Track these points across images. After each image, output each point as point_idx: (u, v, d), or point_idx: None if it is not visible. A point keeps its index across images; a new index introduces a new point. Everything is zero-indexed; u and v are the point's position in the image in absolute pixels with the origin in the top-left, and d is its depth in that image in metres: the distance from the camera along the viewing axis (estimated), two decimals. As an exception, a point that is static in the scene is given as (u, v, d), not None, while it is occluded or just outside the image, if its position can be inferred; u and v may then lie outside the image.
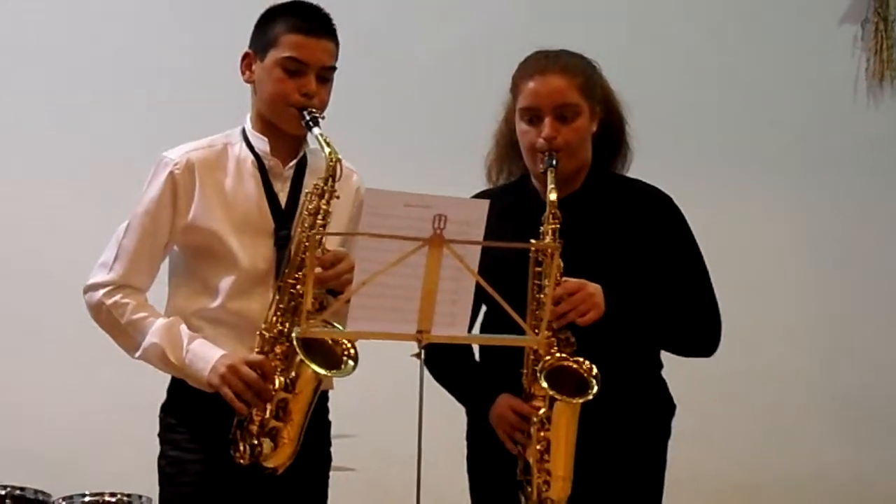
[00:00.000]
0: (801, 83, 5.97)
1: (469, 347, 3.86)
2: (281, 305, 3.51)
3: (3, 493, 5.14)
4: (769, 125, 5.95)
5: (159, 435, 3.67)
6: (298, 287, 3.52)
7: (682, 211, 3.76)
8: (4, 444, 5.74)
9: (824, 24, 5.94)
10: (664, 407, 3.84)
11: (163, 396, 3.66)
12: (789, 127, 5.96)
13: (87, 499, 5.29)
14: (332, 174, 3.51)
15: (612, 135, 3.81)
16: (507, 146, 3.83)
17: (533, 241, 3.60)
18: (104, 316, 3.55)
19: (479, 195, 3.75)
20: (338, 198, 3.53)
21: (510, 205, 3.74)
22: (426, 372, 3.56)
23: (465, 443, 3.88)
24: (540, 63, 3.71)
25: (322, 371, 3.48)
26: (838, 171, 5.97)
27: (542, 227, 3.61)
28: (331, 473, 3.79)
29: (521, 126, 3.70)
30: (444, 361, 3.81)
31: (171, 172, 3.53)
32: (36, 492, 5.29)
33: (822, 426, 6.00)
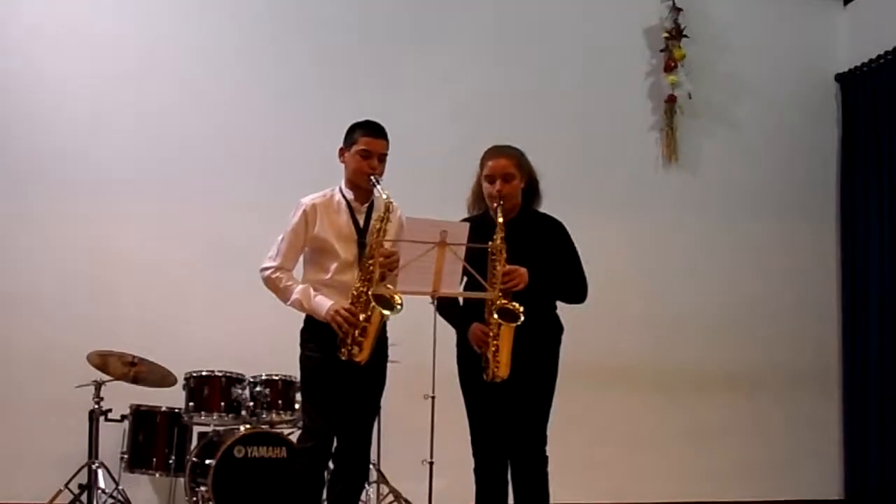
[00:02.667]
0: (633, 161, 9.75)
1: (457, 299, 5.85)
2: (362, 278, 5.58)
3: (219, 374, 7.55)
4: (610, 182, 9.54)
5: (300, 345, 5.83)
6: (370, 268, 5.57)
7: (567, 228, 5.95)
8: (216, 348, 8.30)
9: (643, 132, 9.66)
10: (557, 327, 5.92)
11: (301, 325, 5.88)
12: (621, 180, 9.60)
13: (263, 377, 7.63)
14: (387, 210, 5.63)
15: (531, 189, 5.96)
16: (478, 194, 5.97)
17: (490, 243, 5.59)
18: (271, 284, 5.79)
19: (464, 220, 5.85)
20: (390, 221, 5.63)
21: (479, 225, 5.73)
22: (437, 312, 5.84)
23: (455, 347, 5.95)
24: (493, 151, 5.90)
25: (384, 311, 5.47)
26: (646, 207, 9.71)
27: (495, 237, 5.62)
28: (387, 364, 5.94)
29: (485, 184, 5.85)
30: (445, 306, 5.92)
31: (305, 210, 5.78)
32: (235, 373, 7.73)
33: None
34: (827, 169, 10.34)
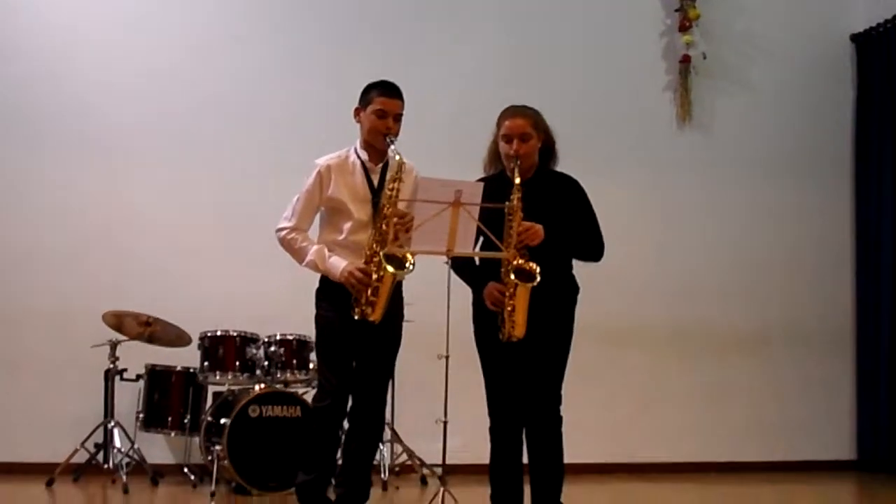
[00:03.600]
0: (647, 121, 9.74)
1: (472, 259, 5.82)
2: (376, 237, 5.58)
3: (234, 333, 7.61)
4: (624, 142, 9.59)
5: (315, 304, 5.87)
6: (384, 228, 5.57)
7: (583, 185, 5.93)
8: (231, 308, 8.39)
9: (658, 92, 9.63)
10: (573, 288, 5.92)
11: (317, 285, 5.89)
12: (635, 141, 9.67)
13: (277, 337, 7.69)
14: (399, 169, 5.64)
15: (548, 149, 5.94)
16: (494, 153, 5.94)
17: (507, 203, 5.57)
18: (286, 244, 5.80)
19: (479, 179, 5.82)
20: (403, 181, 5.63)
21: (495, 185, 5.71)
22: (452, 272, 5.82)
23: (471, 307, 5.94)
24: (510, 111, 5.87)
25: (395, 271, 5.49)
26: (660, 167, 9.78)
27: (511, 196, 5.59)
28: (403, 323, 5.99)
29: (501, 144, 5.83)
30: (461, 265, 5.88)
31: (319, 171, 5.79)
32: (249, 333, 7.77)
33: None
34: (842, 129, 10.34)
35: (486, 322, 5.80)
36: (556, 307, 5.84)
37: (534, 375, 5.79)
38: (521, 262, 5.58)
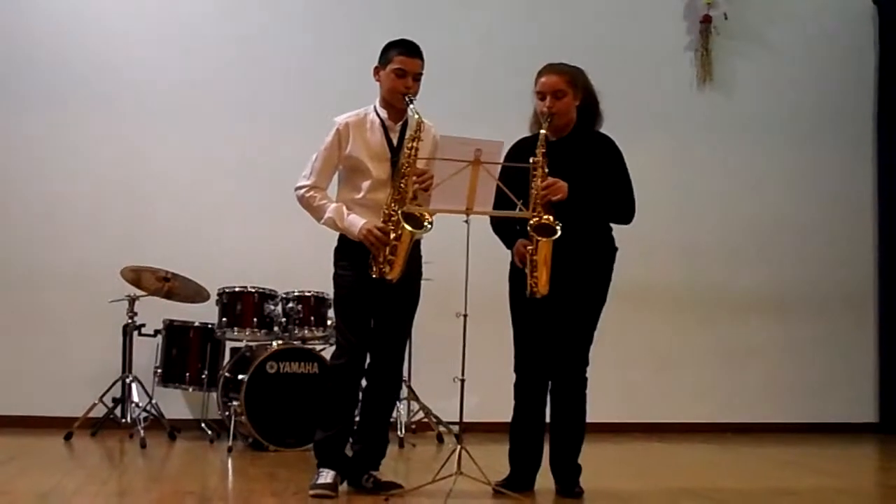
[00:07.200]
0: (667, 82, 9.80)
1: (512, 220, 5.73)
2: (395, 196, 5.55)
3: (252, 290, 7.66)
4: (643, 102, 9.59)
5: (333, 263, 5.82)
6: (403, 187, 5.54)
7: (619, 146, 5.92)
8: (250, 264, 8.47)
9: (678, 52, 9.62)
10: (610, 248, 5.91)
11: (335, 243, 5.83)
12: (655, 101, 9.70)
13: (296, 293, 7.72)
14: (418, 129, 5.60)
15: (588, 108, 5.92)
16: (536, 112, 5.92)
17: (532, 159, 5.58)
18: (305, 202, 5.77)
19: (521, 139, 5.92)
20: (422, 140, 5.59)
21: (533, 145, 5.70)
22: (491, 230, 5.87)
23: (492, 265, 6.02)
24: (545, 68, 5.86)
25: (413, 230, 5.45)
26: (679, 128, 9.85)
27: (536, 151, 5.62)
28: (421, 282, 5.95)
29: (536, 101, 5.85)
30: (500, 224, 5.92)
31: (338, 129, 5.74)
32: (268, 289, 7.82)
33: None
34: (864, 91, 10.32)
35: (519, 280, 5.82)
36: (590, 267, 5.88)
37: (563, 334, 5.83)
38: (543, 218, 5.57)
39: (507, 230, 5.97)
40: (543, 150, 5.66)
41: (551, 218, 5.55)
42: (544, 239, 5.55)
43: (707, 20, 9.83)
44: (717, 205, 9.94)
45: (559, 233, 5.52)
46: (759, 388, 9.86)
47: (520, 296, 5.79)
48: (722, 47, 9.92)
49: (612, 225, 5.99)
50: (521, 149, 5.85)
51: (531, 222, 5.57)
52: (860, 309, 10.22)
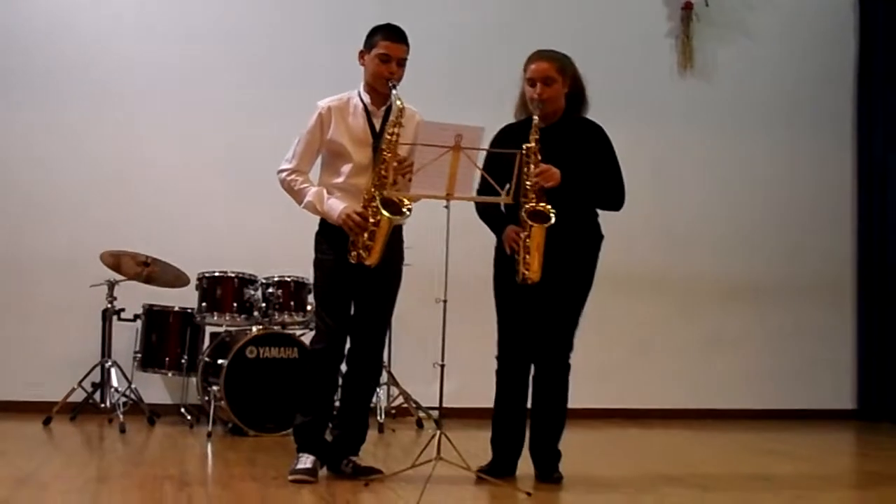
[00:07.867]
0: (648, 68, 9.79)
1: (497, 204, 5.80)
2: (375, 182, 5.54)
3: (232, 275, 7.62)
4: (623, 88, 9.47)
5: (314, 247, 5.83)
6: (383, 172, 5.54)
7: (607, 133, 5.94)
8: (229, 249, 8.45)
9: (658, 38, 9.63)
10: (597, 236, 5.94)
11: (316, 227, 5.84)
12: (635, 87, 9.69)
13: (275, 278, 7.70)
14: (399, 114, 5.61)
15: (576, 95, 5.95)
16: (523, 99, 5.93)
17: (525, 146, 5.60)
18: (286, 185, 5.77)
19: (507, 125, 5.97)
20: (403, 126, 5.59)
21: (521, 130, 5.76)
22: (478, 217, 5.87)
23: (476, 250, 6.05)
24: (535, 55, 5.88)
25: (391, 216, 5.49)
26: (659, 114, 9.81)
27: (530, 138, 5.66)
28: (403, 267, 5.95)
29: (526, 87, 5.86)
30: (486, 210, 5.93)
31: (320, 112, 5.74)
32: (247, 274, 7.81)
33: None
34: (844, 79, 10.32)
35: (505, 265, 5.83)
36: (577, 254, 5.90)
37: (547, 320, 5.84)
38: (536, 204, 5.62)
39: (494, 216, 5.97)
40: (537, 137, 5.69)
41: (547, 205, 5.59)
42: (538, 225, 5.57)
43: (688, 7, 9.82)
44: (696, 192, 9.94)
45: (553, 220, 5.56)
46: (739, 374, 9.87)
47: (505, 281, 5.82)
48: (703, 34, 9.90)
49: (613, 212, 6.02)
50: (509, 134, 5.87)
51: (526, 207, 5.60)
52: (839, 296, 10.22)
